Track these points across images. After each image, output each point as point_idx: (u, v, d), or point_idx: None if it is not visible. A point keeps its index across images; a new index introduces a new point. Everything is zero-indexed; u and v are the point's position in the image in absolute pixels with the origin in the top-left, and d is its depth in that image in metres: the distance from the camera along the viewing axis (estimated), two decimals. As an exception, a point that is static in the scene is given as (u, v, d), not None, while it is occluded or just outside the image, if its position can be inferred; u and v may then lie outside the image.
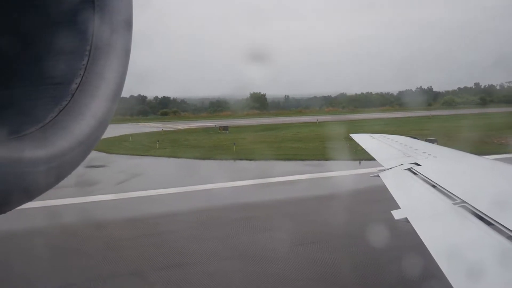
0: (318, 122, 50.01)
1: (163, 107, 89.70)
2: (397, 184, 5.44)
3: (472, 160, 6.60)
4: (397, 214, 4.01)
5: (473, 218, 3.23)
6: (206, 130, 47.50)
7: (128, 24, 2.23)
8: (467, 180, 5.22)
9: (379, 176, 6.13)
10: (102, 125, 2.08)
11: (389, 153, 8.26)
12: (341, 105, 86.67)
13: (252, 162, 26.10)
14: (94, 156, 26.76)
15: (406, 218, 3.78)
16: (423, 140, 23.26)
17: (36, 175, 1.64)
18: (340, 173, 20.65)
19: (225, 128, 45.15)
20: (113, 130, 44.38)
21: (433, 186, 4.55)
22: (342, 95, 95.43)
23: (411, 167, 5.86)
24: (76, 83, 2.02)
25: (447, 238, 3.29)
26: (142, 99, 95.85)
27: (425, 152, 7.09)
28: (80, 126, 1.94)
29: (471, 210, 3.41)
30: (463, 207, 3.54)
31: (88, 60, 2.06)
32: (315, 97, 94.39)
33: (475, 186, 4.74)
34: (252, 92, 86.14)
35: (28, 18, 2.06)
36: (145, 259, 10.15)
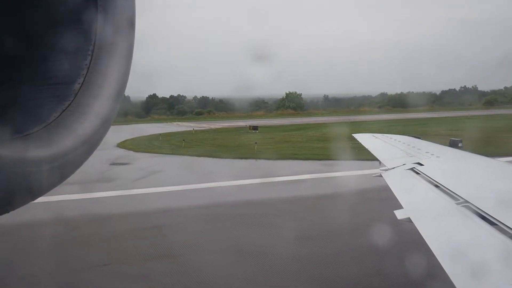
0: (350, 122, 49.54)
1: (202, 107, 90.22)
2: (400, 184, 5.43)
3: (475, 160, 6.58)
4: (399, 214, 4.00)
5: (476, 218, 3.22)
6: (237, 129, 48.36)
7: (131, 24, 2.23)
8: (470, 180, 5.20)
9: (381, 176, 6.11)
10: (105, 125, 2.08)
11: (392, 153, 8.24)
12: (377, 104, 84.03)
13: (265, 161, 26.54)
14: (122, 154, 30.70)
15: (409, 218, 3.77)
16: (451, 140, 22.75)
17: (40, 175, 1.64)
18: (351, 172, 20.43)
19: (255, 127, 46.07)
20: (147, 130, 48.79)
21: (436, 186, 4.54)
22: (383, 95, 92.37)
23: (414, 167, 5.85)
24: (79, 83, 2.03)
25: (450, 238, 3.28)
26: (181, 98, 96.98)
27: (428, 152, 7.07)
28: (83, 126, 1.95)
29: (474, 210, 3.40)
30: (466, 207, 3.53)
31: (91, 60, 2.07)
32: (355, 97, 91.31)
33: (478, 186, 4.72)
34: (288, 92, 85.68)
35: (32, 18, 2.07)
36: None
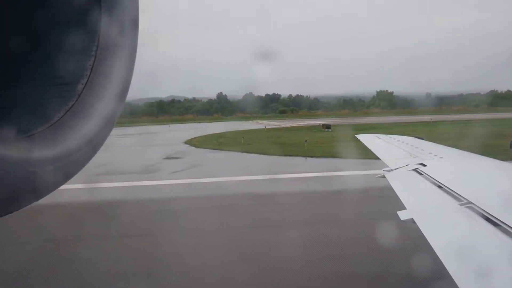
0: (432, 122, 49.82)
1: (296, 105, 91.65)
2: (403, 185, 5.42)
3: (478, 160, 6.56)
4: (403, 215, 3.99)
5: (480, 219, 3.21)
6: (311, 128, 49.61)
7: (134, 24, 2.24)
8: (474, 180, 5.18)
9: (384, 177, 6.10)
10: (108, 125, 2.09)
11: (395, 153, 8.23)
12: (473, 103, 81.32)
13: (300, 158, 28.16)
14: (181, 149, 34.60)
15: (412, 219, 3.76)
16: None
17: (44, 174, 1.65)
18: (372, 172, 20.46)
19: (328, 126, 46.73)
20: (224, 127, 53.34)
21: (439, 187, 4.52)
22: (492, 92, 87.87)
23: (417, 168, 5.83)
24: (82, 84, 2.04)
25: (453, 239, 3.27)
26: (276, 97, 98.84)
27: (431, 153, 7.05)
28: (86, 126, 1.95)
29: (478, 211, 3.38)
30: (470, 208, 3.52)
31: (95, 60, 2.08)
32: (461, 95, 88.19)
33: (481, 186, 4.71)
34: (378, 90, 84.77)
35: (36, 18, 2.08)
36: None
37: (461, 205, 3.66)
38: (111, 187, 19.71)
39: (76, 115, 1.95)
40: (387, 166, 6.77)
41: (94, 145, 2.00)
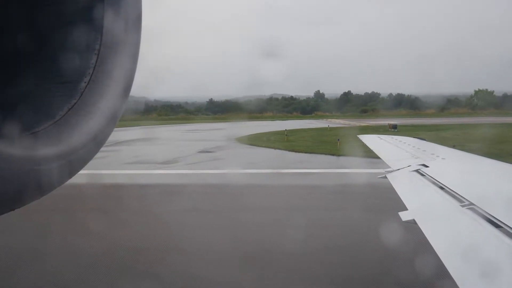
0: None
1: (397, 105, 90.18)
2: (405, 186, 5.41)
3: (480, 162, 6.54)
4: (404, 216, 3.99)
5: (482, 221, 3.20)
6: (377, 127, 49.19)
7: (137, 22, 2.24)
8: (476, 182, 5.17)
9: (386, 177, 6.10)
10: (111, 123, 2.09)
11: (397, 154, 8.21)
12: None
13: (329, 156, 29.38)
14: (223, 144, 37.82)
15: (414, 220, 3.75)
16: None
17: (48, 172, 1.65)
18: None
19: (395, 126, 47.09)
20: (292, 125, 56.91)
21: (441, 188, 4.51)
22: None
23: (419, 169, 5.83)
24: (85, 82, 2.04)
25: (455, 240, 3.26)
26: (375, 96, 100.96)
27: (433, 154, 7.04)
28: (89, 124, 1.96)
29: (480, 212, 3.38)
30: (472, 209, 3.51)
31: (97, 58, 2.08)
32: None
33: (483, 188, 4.70)
34: (477, 89, 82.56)
35: (40, 16, 2.08)
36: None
37: (463, 206, 3.66)
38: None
39: (79, 112, 1.96)
40: (389, 167, 6.76)
41: (97, 142, 2.01)
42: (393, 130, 44.69)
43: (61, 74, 2.10)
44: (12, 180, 1.49)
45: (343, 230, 11.99)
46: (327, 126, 54.56)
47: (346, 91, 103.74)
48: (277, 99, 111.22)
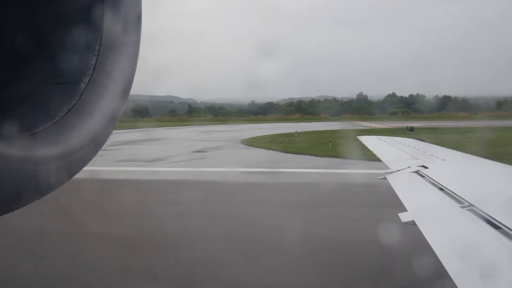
0: None
1: (442, 107, 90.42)
2: (404, 187, 5.41)
3: (480, 163, 6.55)
4: (404, 217, 3.99)
5: (481, 222, 3.21)
6: (395, 130, 50.49)
7: (137, 23, 2.24)
8: (475, 183, 5.17)
9: (386, 179, 6.10)
10: (111, 123, 2.09)
11: (396, 155, 8.22)
12: None
13: (312, 157, 30.03)
14: (223, 145, 40.30)
15: (413, 221, 3.75)
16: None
17: (47, 172, 1.65)
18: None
19: (411, 129, 48.18)
20: (307, 126, 61.28)
21: (441, 189, 4.52)
22: None
23: (419, 170, 5.83)
24: (84, 83, 2.04)
25: (455, 242, 3.26)
26: (420, 97, 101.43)
27: (433, 155, 7.04)
28: (88, 125, 1.96)
29: (479, 213, 3.38)
30: (471, 210, 3.51)
31: (97, 59, 2.08)
32: None
33: (483, 189, 4.70)
34: None
35: (40, 17, 2.08)
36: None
37: (462, 207, 3.66)
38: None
39: (79, 113, 1.95)
40: (389, 168, 6.77)
41: (97, 143, 2.00)
42: (410, 132, 45.58)
43: (61, 75, 2.10)
44: (11, 181, 1.49)
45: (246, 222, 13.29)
46: (343, 128, 56.93)
47: (390, 93, 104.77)
48: (319, 101, 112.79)
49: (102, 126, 2.04)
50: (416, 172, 5.79)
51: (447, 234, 3.47)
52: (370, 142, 10.92)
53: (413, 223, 3.74)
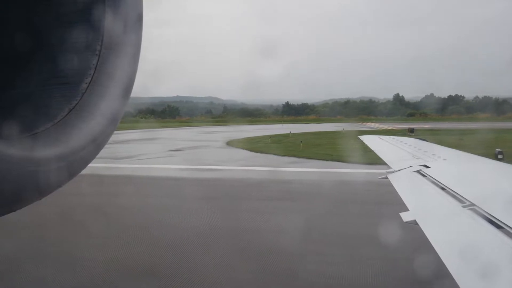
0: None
1: (482, 108, 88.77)
2: (406, 186, 5.40)
3: (482, 162, 6.53)
4: (405, 216, 3.98)
5: (483, 221, 3.20)
6: (397, 131, 51.57)
7: (138, 23, 2.24)
8: (477, 182, 5.16)
9: (387, 178, 6.09)
10: (112, 124, 2.09)
11: (397, 155, 8.21)
12: None
13: (273, 156, 32.14)
14: (205, 145, 42.46)
15: (415, 221, 3.75)
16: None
17: (48, 173, 1.65)
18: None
19: (412, 130, 49.58)
20: (315, 127, 63.45)
21: (442, 189, 4.51)
22: None
23: (420, 169, 5.82)
24: (86, 83, 2.04)
25: (456, 241, 3.26)
26: (459, 99, 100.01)
27: (434, 154, 7.03)
28: (90, 125, 1.96)
29: (481, 213, 3.37)
30: (473, 210, 3.50)
31: (98, 59, 2.08)
32: None
33: (485, 188, 4.69)
34: None
35: (41, 17, 2.08)
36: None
37: (464, 207, 3.65)
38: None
39: (80, 114, 1.95)
40: (390, 168, 6.76)
41: (97, 143, 2.00)
42: (410, 134, 46.59)
43: (62, 75, 2.09)
44: (12, 181, 1.49)
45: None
46: (342, 129, 58.59)
47: (429, 93, 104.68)
48: (355, 101, 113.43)
49: (103, 126, 2.04)
50: (418, 171, 5.78)
51: (448, 234, 3.47)
52: (372, 141, 10.91)
53: (414, 223, 3.74)
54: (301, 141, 37.28)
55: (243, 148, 38.08)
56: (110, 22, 2.09)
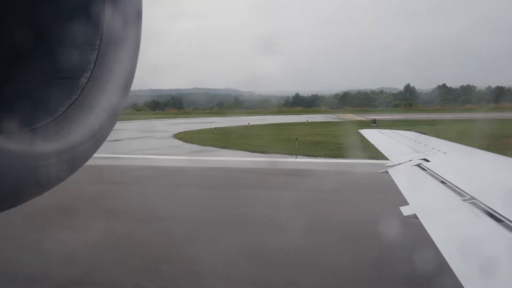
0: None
1: (495, 99, 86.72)
2: (406, 180, 5.41)
3: (482, 156, 6.54)
4: (405, 210, 3.99)
5: (483, 215, 3.21)
6: (361, 122, 54.41)
7: (138, 19, 2.23)
8: (477, 176, 5.17)
9: (387, 172, 6.09)
10: (112, 118, 2.09)
11: (398, 148, 8.21)
12: None
13: (197, 146, 34.05)
14: (150, 135, 43.02)
15: (415, 215, 3.76)
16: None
17: (48, 168, 1.65)
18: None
19: (374, 121, 50.65)
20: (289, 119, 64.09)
21: (442, 182, 4.51)
22: None
23: (420, 163, 5.82)
24: (86, 77, 2.03)
25: (456, 235, 3.27)
26: (471, 89, 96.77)
27: (434, 148, 7.03)
28: (90, 120, 1.95)
29: (481, 206, 3.38)
30: (473, 203, 3.51)
31: (98, 54, 2.07)
32: None
33: (485, 182, 4.69)
34: None
35: (41, 13, 2.07)
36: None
37: (464, 200, 3.66)
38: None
39: (80, 108, 1.95)
40: (390, 161, 6.77)
41: (98, 138, 2.00)
42: (373, 125, 47.55)
43: (62, 70, 2.09)
44: (13, 176, 1.48)
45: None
46: (307, 120, 60.56)
47: (441, 84, 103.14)
48: (366, 93, 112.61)
49: (103, 121, 2.04)
50: (418, 165, 5.79)
51: (448, 228, 3.48)
52: (371, 135, 10.90)
53: (414, 217, 3.75)
54: (296, 138, 38.75)
55: (180, 139, 39.55)
56: (109, 17, 2.08)
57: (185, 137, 41.38)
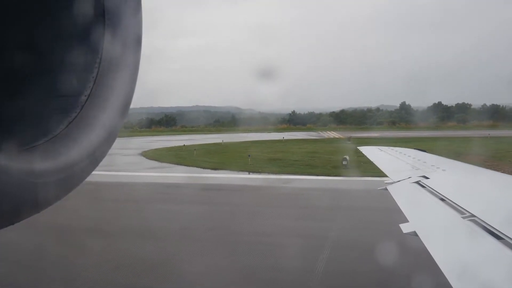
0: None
1: (491, 116, 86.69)
2: (405, 197, 5.39)
3: (481, 173, 6.54)
4: (405, 228, 3.97)
5: (483, 232, 3.19)
6: (337, 140, 56.92)
7: (137, 40, 2.27)
8: (477, 193, 5.16)
9: (387, 189, 6.08)
10: (111, 137, 2.10)
11: (397, 166, 8.21)
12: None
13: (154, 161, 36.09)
14: (119, 152, 39.12)
15: (415, 232, 3.74)
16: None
17: (46, 186, 1.65)
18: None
19: (349, 138, 53.54)
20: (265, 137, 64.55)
21: (442, 200, 4.50)
22: None
23: (420, 180, 5.82)
24: (85, 95, 2.05)
25: (456, 252, 3.25)
26: (465, 107, 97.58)
27: (433, 165, 7.04)
28: (89, 138, 1.96)
29: (481, 224, 3.36)
30: (473, 221, 3.50)
31: (98, 72, 2.10)
32: None
33: (484, 199, 4.68)
34: None
35: (40, 33, 2.11)
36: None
37: (464, 218, 3.64)
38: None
39: (78, 127, 1.96)
40: (390, 179, 6.76)
41: (96, 157, 2.01)
42: (348, 142, 49.15)
43: (61, 88, 2.11)
44: (10, 194, 1.49)
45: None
46: (282, 138, 61.63)
47: (436, 102, 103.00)
48: (362, 110, 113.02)
49: (102, 139, 2.05)
50: (417, 182, 5.78)
51: (449, 245, 3.46)
52: (371, 152, 10.92)
53: (414, 234, 3.72)
54: (195, 149, 41.96)
55: (144, 156, 40.63)
56: (109, 37, 2.12)
57: (151, 154, 41.76)
